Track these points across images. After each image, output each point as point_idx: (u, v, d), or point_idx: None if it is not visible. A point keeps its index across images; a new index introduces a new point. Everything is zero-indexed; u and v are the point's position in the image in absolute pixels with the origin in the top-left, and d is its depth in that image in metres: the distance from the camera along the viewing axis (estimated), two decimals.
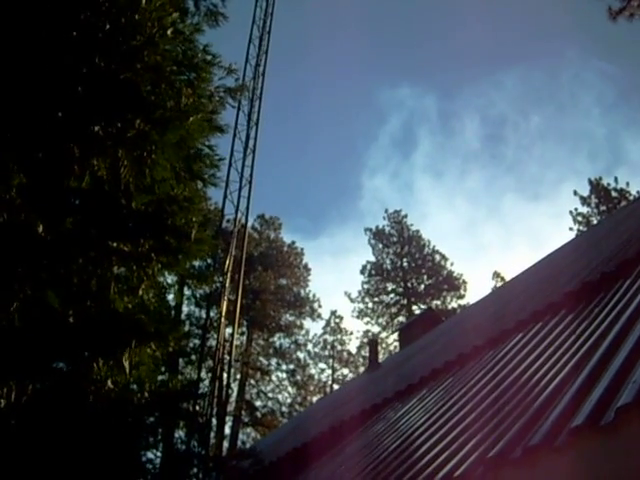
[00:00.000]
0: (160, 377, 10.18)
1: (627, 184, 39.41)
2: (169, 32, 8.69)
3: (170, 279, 12.61)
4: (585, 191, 41.06)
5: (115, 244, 8.27)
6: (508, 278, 16.74)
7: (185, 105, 8.57)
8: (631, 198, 35.94)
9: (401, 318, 45.81)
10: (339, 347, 46.98)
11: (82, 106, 7.96)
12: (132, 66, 8.29)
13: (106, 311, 7.97)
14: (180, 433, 12.94)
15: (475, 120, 67.37)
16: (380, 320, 47.30)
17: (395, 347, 40.48)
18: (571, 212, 40.85)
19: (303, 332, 44.19)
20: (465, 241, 68.03)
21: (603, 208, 39.43)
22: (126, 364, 8.10)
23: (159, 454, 10.88)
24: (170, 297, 13.98)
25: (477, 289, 59.07)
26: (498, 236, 69.41)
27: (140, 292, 8.75)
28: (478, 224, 68.80)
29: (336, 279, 74.36)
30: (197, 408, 14.70)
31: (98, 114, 8.12)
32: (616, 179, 40.23)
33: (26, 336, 7.14)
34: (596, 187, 40.78)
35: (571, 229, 40.05)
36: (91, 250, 8.04)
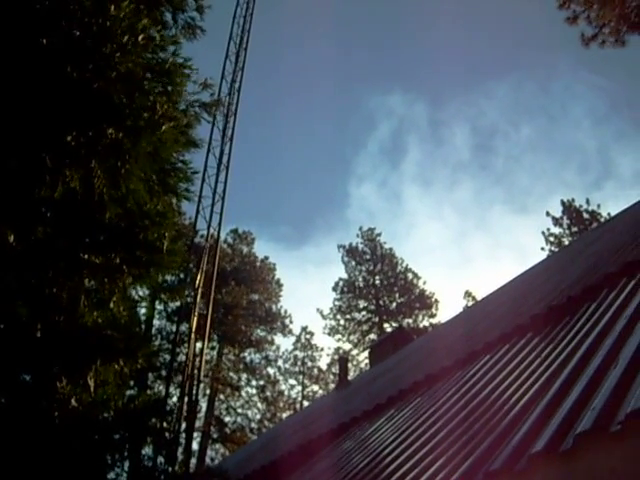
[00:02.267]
0: (128, 392, 10.08)
1: (598, 206, 40.09)
2: (140, 38, 8.68)
3: (142, 292, 12.51)
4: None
5: (86, 256, 8.21)
6: (489, 292, 16.80)
7: (159, 115, 8.56)
8: (602, 220, 36.45)
9: (372, 336, 45.86)
10: (309, 363, 46.94)
11: (54, 115, 7.92)
12: (104, 75, 8.26)
13: (75, 325, 7.89)
14: (147, 450, 12.79)
15: (465, 129, 66.97)
16: (351, 337, 47.31)
17: (366, 364, 40.51)
18: (543, 232, 41.40)
19: (274, 348, 44.09)
20: (452, 253, 67.86)
21: (575, 229, 39.97)
22: (91, 382, 8.01)
23: (125, 471, 10.76)
24: (142, 311, 13.88)
25: (457, 303, 58.83)
26: (484, 249, 69.36)
27: (111, 305, 8.68)
28: (465, 236, 68.75)
29: (319, 289, 73.88)
30: (164, 424, 14.57)
31: (70, 123, 8.08)
32: (588, 201, 40.94)
33: None
34: (568, 208, 41.39)
35: (543, 249, 40.58)
36: (62, 261, 7.98)
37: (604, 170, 62.21)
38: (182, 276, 17.88)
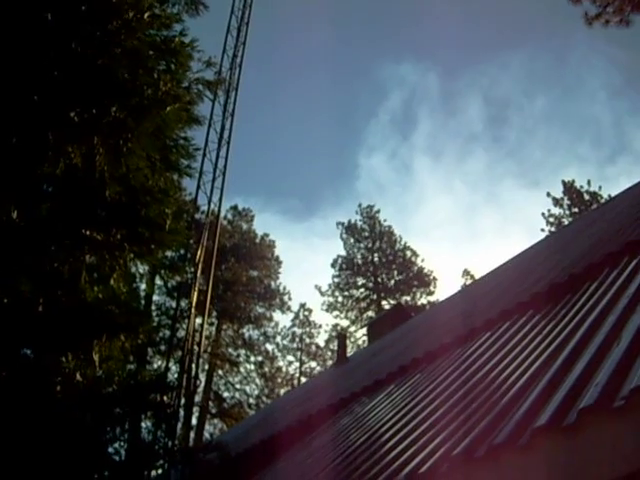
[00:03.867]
0: (128, 367, 10.14)
1: (599, 188, 39.97)
2: (146, 16, 8.62)
3: (142, 269, 12.54)
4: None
5: (88, 232, 8.21)
6: (489, 270, 16.69)
7: (163, 93, 8.52)
8: (603, 201, 36.35)
9: (370, 313, 46.01)
10: (307, 340, 47.13)
11: (58, 91, 7.89)
12: (109, 51, 8.22)
13: (76, 301, 7.91)
14: (147, 423, 12.90)
15: (478, 100, 65.64)
16: (349, 314, 47.47)
17: (364, 341, 40.68)
18: (543, 214, 41.32)
19: (272, 324, 44.24)
20: (460, 227, 66.67)
21: (575, 210, 39.90)
22: (96, 358, 8.04)
23: (125, 445, 10.85)
24: (142, 287, 13.90)
25: (459, 280, 57.84)
26: (493, 224, 68.01)
27: (111, 282, 8.69)
28: (475, 210, 67.27)
29: (325, 262, 72.98)
30: (164, 399, 14.66)
31: (74, 100, 8.04)
32: (589, 182, 40.83)
33: None
34: (569, 189, 41.31)
35: (543, 230, 40.48)
36: (64, 237, 7.98)
37: (619, 144, 60.64)
38: (182, 252, 17.90)
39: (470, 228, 65.73)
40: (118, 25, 8.31)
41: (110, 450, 9.32)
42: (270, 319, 44.15)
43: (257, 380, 41.66)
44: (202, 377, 35.71)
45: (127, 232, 8.52)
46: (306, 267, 68.67)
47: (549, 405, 3.33)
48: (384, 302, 46.46)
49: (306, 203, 72.99)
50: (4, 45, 7.47)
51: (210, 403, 37.40)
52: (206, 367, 36.78)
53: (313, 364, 46.35)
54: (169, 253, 13.25)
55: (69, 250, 8.11)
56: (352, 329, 46.28)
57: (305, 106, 57.86)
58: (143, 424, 12.35)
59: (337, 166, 66.92)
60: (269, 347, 43.84)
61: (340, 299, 47.79)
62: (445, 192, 66.51)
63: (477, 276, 35.84)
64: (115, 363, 8.27)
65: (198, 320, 18.79)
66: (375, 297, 47.27)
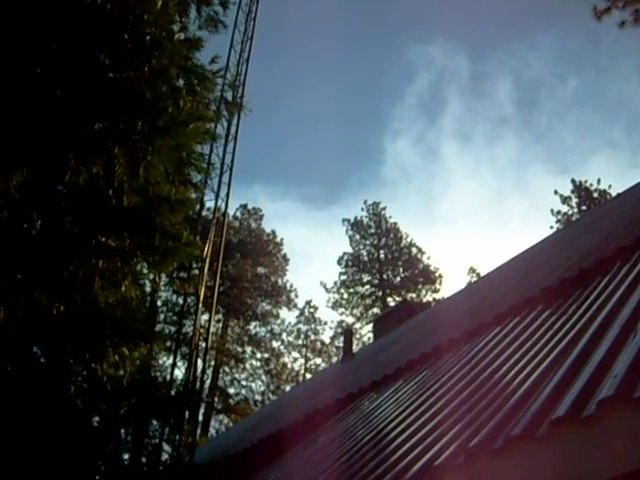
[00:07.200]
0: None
1: (609, 186, 39.81)
2: (176, 37, 8.74)
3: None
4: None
5: (103, 239, 8.27)
6: (496, 266, 16.54)
7: (187, 112, 8.63)
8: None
9: (376, 310, 46.03)
10: (313, 337, 47.19)
11: (87, 103, 7.96)
12: (139, 68, 8.31)
13: (91, 307, 7.96)
14: (154, 422, 12.93)
15: (508, 82, 64.48)
16: (355, 311, 47.53)
17: (369, 338, 40.69)
18: (552, 210, 41.24)
19: (279, 321, 44.33)
20: (487, 214, 65.08)
21: (584, 208, 39.79)
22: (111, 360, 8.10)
23: (131, 442, 10.87)
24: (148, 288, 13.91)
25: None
26: (521, 211, 66.78)
27: (123, 288, 8.74)
28: (502, 197, 65.58)
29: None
30: (172, 393, 14.69)
31: (102, 112, 8.12)
32: (599, 180, 40.69)
33: (9, 328, 7.13)
34: (578, 187, 41.23)
35: (552, 227, 40.34)
36: (81, 245, 8.04)
37: None
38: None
39: (497, 216, 64.51)
40: (149, 43, 8.39)
41: (115, 447, 9.36)
42: (276, 316, 44.28)
43: (263, 377, 41.78)
44: (208, 373, 35.80)
45: (141, 241, 8.59)
46: (324, 256, 67.61)
47: (566, 397, 3.30)
48: (389, 299, 46.50)
49: (328, 190, 71.45)
50: (37, 59, 7.54)
51: (216, 399, 37.50)
52: (212, 363, 36.85)
53: (318, 360, 46.48)
54: None
55: (85, 256, 8.18)
56: (357, 326, 46.35)
57: (330, 91, 56.57)
58: (152, 420, 12.39)
59: (361, 151, 65.51)
60: (275, 344, 43.96)
61: (345, 296, 47.84)
62: (472, 179, 64.98)
63: (485, 272, 35.73)
64: (130, 365, 8.34)
65: (205, 316, 18.78)
66: (380, 294, 47.27)
